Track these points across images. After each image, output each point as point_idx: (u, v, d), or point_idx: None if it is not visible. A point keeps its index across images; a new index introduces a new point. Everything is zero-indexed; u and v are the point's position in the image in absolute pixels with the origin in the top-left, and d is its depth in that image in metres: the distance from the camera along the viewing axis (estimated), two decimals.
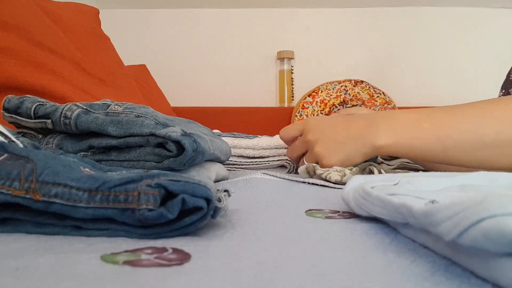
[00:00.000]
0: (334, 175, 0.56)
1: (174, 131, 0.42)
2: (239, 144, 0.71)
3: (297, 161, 0.61)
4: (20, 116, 0.44)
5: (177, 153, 0.42)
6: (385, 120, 0.53)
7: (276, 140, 0.74)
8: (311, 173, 0.62)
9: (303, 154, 0.59)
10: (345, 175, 0.56)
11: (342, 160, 0.55)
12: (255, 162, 0.72)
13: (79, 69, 0.84)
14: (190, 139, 0.42)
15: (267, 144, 0.73)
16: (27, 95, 0.45)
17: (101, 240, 0.24)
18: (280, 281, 0.18)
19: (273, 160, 0.73)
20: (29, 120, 0.44)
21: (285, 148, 0.76)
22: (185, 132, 0.42)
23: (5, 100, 0.44)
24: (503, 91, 0.90)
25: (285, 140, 0.62)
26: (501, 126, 0.49)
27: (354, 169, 0.58)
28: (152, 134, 0.42)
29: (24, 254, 0.21)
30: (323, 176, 0.58)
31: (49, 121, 0.44)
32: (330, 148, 0.55)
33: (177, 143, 0.42)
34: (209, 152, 0.47)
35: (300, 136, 0.61)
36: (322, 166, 0.56)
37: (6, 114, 0.45)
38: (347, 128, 0.55)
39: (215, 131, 0.69)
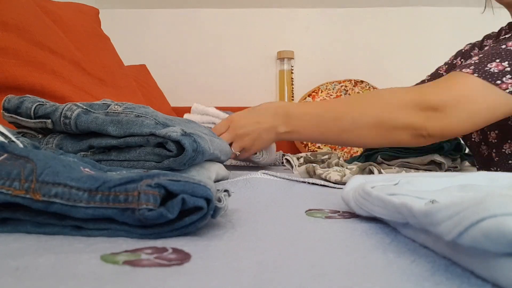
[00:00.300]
0: (334, 175, 0.56)
1: (174, 131, 0.42)
2: (213, 113, 0.87)
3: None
4: (20, 116, 0.44)
5: (177, 153, 0.42)
6: (281, 112, 0.71)
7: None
8: (311, 173, 0.63)
9: (231, 144, 0.72)
10: (344, 175, 0.56)
11: (261, 146, 0.73)
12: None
13: (79, 69, 0.84)
14: (190, 139, 0.42)
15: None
16: (27, 95, 0.45)
17: (101, 240, 0.24)
18: (280, 281, 0.18)
19: None
20: (29, 120, 0.44)
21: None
22: (185, 132, 0.42)
23: (5, 100, 0.44)
24: (429, 77, 0.97)
25: (218, 133, 0.74)
26: (360, 112, 0.64)
27: (354, 169, 0.58)
28: (152, 134, 0.42)
29: (24, 254, 0.21)
30: (323, 176, 0.58)
31: (49, 121, 0.44)
32: (253, 139, 0.71)
33: (177, 143, 0.42)
34: (209, 152, 0.47)
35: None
36: (248, 152, 0.73)
37: (6, 114, 0.45)
38: (261, 121, 0.72)
39: (202, 107, 0.84)
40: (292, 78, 1.83)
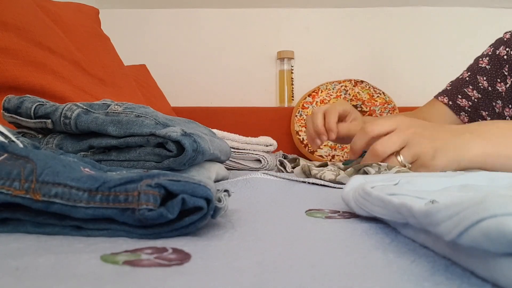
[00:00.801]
0: (329, 174, 0.56)
1: (174, 131, 0.42)
2: (227, 136, 0.82)
3: (386, 157, 0.53)
4: (20, 116, 0.44)
5: (177, 153, 0.42)
6: (477, 128, 0.52)
7: (258, 139, 0.88)
8: (307, 173, 0.63)
9: (396, 151, 0.52)
10: (339, 174, 0.56)
11: (449, 163, 0.50)
12: (236, 152, 0.85)
13: (79, 69, 0.84)
14: (190, 139, 0.42)
15: (250, 140, 0.86)
16: (27, 95, 0.45)
17: (101, 240, 0.24)
18: (280, 281, 0.18)
19: (251, 153, 0.85)
20: (29, 120, 0.44)
21: (265, 146, 0.87)
22: (185, 132, 0.42)
23: (5, 100, 0.44)
24: (469, 73, 0.92)
25: (376, 134, 0.55)
26: None
27: (349, 169, 0.58)
28: (152, 134, 0.42)
29: (24, 254, 0.21)
30: (318, 176, 0.59)
31: (49, 121, 0.44)
32: (437, 148, 0.50)
33: (177, 143, 0.42)
34: (209, 152, 0.47)
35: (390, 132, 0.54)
36: (426, 166, 0.50)
37: (6, 114, 0.45)
38: (437, 136, 0.51)
39: (214, 130, 0.73)
40: (292, 78, 1.83)
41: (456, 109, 0.92)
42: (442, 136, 0.50)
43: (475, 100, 0.89)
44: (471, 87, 0.90)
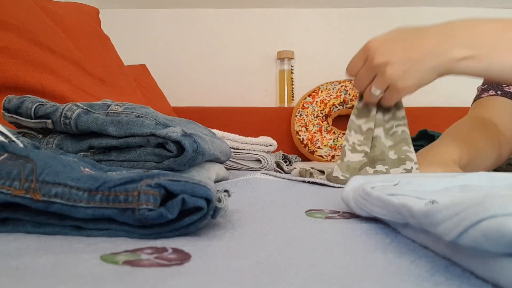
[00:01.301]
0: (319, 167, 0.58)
1: (175, 131, 0.42)
2: (227, 136, 0.82)
3: (367, 92, 0.54)
4: (20, 116, 0.44)
5: (177, 153, 0.42)
6: (462, 31, 0.47)
7: (258, 139, 0.87)
8: (303, 175, 0.63)
9: (370, 82, 0.52)
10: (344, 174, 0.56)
11: (418, 81, 0.49)
12: (236, 152, 0.84)
13: (79, 69, 0.84)
14: (190, 139, 0.42)
15: (250, 140, 0.85)
16: (27, 95, 0.45)
17: (101, 240, 0.24)
18: (280, 281, 0.18)
19: (251, 153, 0.85)
20: (29, 120, 0.44)
21: (265, 146, 0.87)
22: (185, 133, 0.42)
23: (5, 100, 0.44)
24: (485, 85, 0.84)
25: (352, 74, 0.55)
26: None
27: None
28: (153, 134, 0.42)
29: (24, 254, 0.21)
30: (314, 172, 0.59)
31: (49, 121, 0.44)
32: (404, 69, 0.47)
33: (177, 143, 0.42)
34: (209, 153, 0.47)
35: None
36: (397, 89, 0.50)
37: (6, 114, 0.45)
38: (419, 43, 0.48)
39: (214, 131, 0.73)
40: (292, 78, 1.83)
41: (510, 95, 0.78)
42: (416, 51, 0.48)
43: None
44: (499, 86, 0.80)
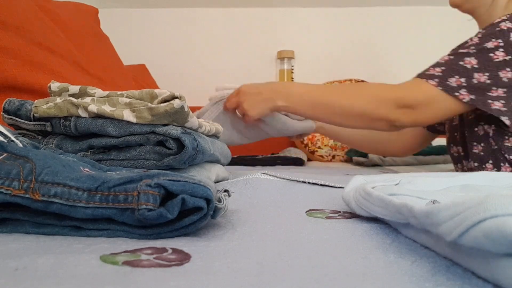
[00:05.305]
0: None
1: (174, 129, 0.42)
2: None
3: (232, 111, 0.88)
4: (20, 118, 0.44)
5: (177, 151, 0.42)
6: (283, 90, 0.84)
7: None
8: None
9: (234, 108, 0.86)
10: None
11: (259, 112, 0.83)
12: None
13: (79, 69, 0.84)
14: (190, 137, 0.42)
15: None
16: (29, 101, 0.45)
17: (101, 240, 0.24)
18: (280, 281, 0.18)
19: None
20: (28, 122, 0.44)
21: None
22: (185, 130, 0.42)
23: (6, 102, 0.44)
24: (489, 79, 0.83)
25: (228, 105, 0.88)
26: (348, 102, 0.79)
27: None
28: (152, 132, 0.42)
29: (23, 255, 0.20)
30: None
31: (48, 123, 0.44)
32: (251, 104, 0.83)
33: (177, 140, 0.42)
34: (209, 152, 0.47)
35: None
36: (248, 115, 0.83)
37: (6, 116, 0.44)
38: (260, 93, 0.84)
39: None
40: (292, 78, 1.83)
41: (450, 88, 0.80)
42: (259, 96, 0.84)
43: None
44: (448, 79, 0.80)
